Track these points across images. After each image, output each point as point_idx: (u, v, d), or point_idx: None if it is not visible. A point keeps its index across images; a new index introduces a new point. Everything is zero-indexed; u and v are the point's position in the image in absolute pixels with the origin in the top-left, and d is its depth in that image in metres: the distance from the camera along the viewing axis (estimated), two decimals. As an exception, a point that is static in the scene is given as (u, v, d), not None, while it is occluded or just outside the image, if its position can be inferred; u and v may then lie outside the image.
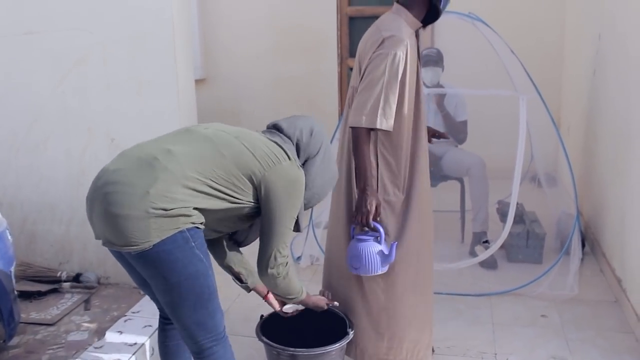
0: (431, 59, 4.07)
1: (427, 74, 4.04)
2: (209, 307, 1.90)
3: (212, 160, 1.88)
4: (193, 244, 1.82)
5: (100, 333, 2.75)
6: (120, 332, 2.72)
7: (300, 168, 2.03)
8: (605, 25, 3.94)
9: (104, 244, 1.86)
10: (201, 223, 1.86)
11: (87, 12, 3.02)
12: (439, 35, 5.39)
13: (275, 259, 2.02)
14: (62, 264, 3.36)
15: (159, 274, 1.82)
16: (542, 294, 3.35)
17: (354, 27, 5.84)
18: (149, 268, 1.83)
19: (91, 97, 3.06)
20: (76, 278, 3.26)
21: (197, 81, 6.39)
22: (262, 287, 2.36)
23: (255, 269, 2.11)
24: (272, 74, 6.26)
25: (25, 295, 3.08)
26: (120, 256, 1.94)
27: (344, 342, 2.36)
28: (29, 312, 2.95)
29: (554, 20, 5.51)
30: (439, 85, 4.14)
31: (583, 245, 3.74)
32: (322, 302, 2.41)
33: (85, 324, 2.86)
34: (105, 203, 1.80)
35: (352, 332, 2.40)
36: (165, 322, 2.20)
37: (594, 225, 4.02)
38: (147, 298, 2.93)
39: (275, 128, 2.15)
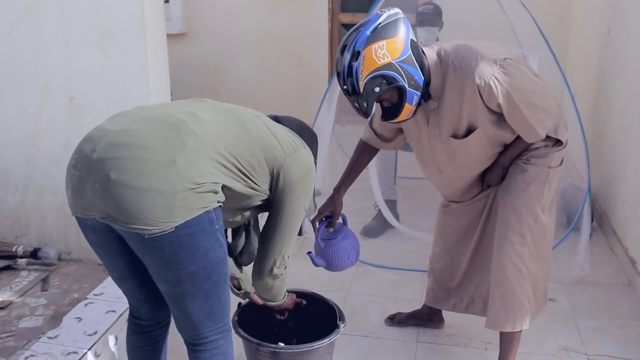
0: (427, 18, 3.69)
1: (421, 34, 3.68)
2: (221, 297, 1.67)
3: (238, 135, 1.63)
4: (217, 226, 1.57)
5: (56, 319, 2.43)
6: (79, 319, 2.40)
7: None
8: (625, -22, 3.57)
9: (101, 218, 1.52)
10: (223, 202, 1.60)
11: (41, -49, 2.61)
12: (437, -12, 4.99)
13: (279, 264, 1.79)
14: (19, 238, 3.01)
15: (174, 262, 1.52)
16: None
17: (346, -22, 5.46)
18: (161, 255, 1.51)
19: (46, 51, 2.66)
20: (34, 254, 2.92)
21: (177, 36, 6.02)
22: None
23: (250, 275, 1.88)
24: (257, 29, 5.88)
25: (-24, 273, 2.75)
26: (104, 236, 1.61)
27: (333, 338, 2.07)
28: (-22, 292, 2.63)
29: (561, -26, 5.11)
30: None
31: (591, 221, 3.45)
32: (291, 300, 2.17)
33: (41, 308, 2.54)
34: (112, 170, 1.46)
35: (342, 325, 2.10)
36: (138, 323, 1.88)
37: (603, 198, 3.73)
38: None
39: (274, 119, 1.87)
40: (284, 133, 1.76)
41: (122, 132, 1.54)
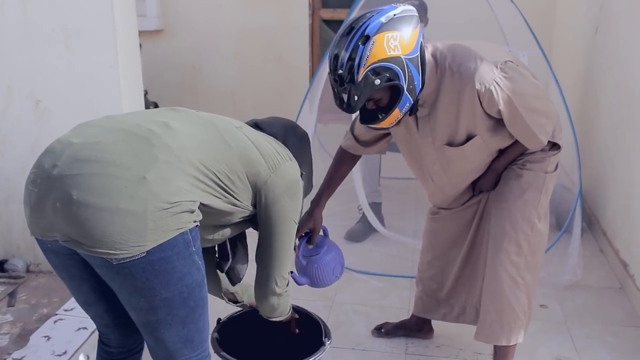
0: None
1: None
2: (199, 322, 1.53)
3: (216, 148, 1.50)
4: (193, 248, 1.44)
5: (23, 338, 2.30)
6: (48, 338, 2.27)
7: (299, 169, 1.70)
8: (613, -26, 3.49)
9: (64, 241, 1.37)
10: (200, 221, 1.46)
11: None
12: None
13: (279, 283, 1.70)
14: (-16, 249, 2.86)
15: (146, 288, 1.38)
16: (540, 280, 2.96)
17: (326, -27, 5.34)
18: (131, 281, 1.37)
19: (9, 50, 2.51)
20: (0, 266, 2.76)
21: (153, 32, 5.85)
22: None
23: (247, 281, 1.80)
24: (236, 25, 5.74)
25: (-62, 288, 2.59)
26: (67, 260, 1.47)
27: (318, 356, 1.94)
28: (-60, 308, 2.47)
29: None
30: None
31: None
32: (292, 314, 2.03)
33: (7, 326, 2.39)
34: (74, 188, 1.32)
35: (328, 342, 1.98)
36: (108, 350, 1.73)
37: (592, 199, 3.65)
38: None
39: (255, 127, 1.74)
40: (268, 145, 1.63)
41: (86, 145, 1.40)
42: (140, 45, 5.23)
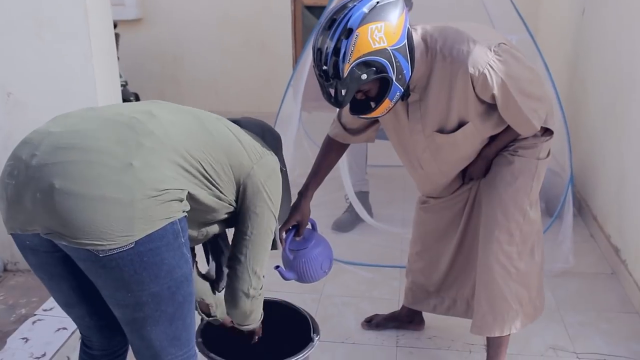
0: None
1: None
2: (186, 319, 1.47)
3: (200, 138, 1.43)
4: (182, 239, 1.38)
5: (1, 340, 2.20)
6: (26, 340, 2.18)
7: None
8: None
9: (45, 234, 1.29)
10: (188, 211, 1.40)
11: None
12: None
13: (255, 285, 1.61)
14: (-41, 247, 2.75)
15: (134, 282, 1.31)
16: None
17: (308, -41, 5.24)
18: (118, 275, 1.30)
19: (-24, 40, 2.39)
20: (-25, 265, 2.67)
21: (132, 22, 5.71)
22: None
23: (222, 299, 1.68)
24: (218, 13, 5.65)
25: None
26: (47, 257, 1.40)
27: (306, 353, 1.88)
28: None
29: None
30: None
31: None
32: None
33: (-17, 328, 2.30)
34: (56, 177, 1.24)
35: (317, 338, 1.91)
36: (90, 353, 1.65)
37: (582, 183, 3.60)
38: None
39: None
40: (248, 138, 1.56)
41: (66, 133, 1.33)
42: (119, 35, 5.13)
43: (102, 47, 2.37)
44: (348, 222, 3.49)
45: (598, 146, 3.34)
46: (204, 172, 1.41)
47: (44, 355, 2.09)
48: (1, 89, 2.42)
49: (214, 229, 1.58)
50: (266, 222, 1.56)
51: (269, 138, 1.64)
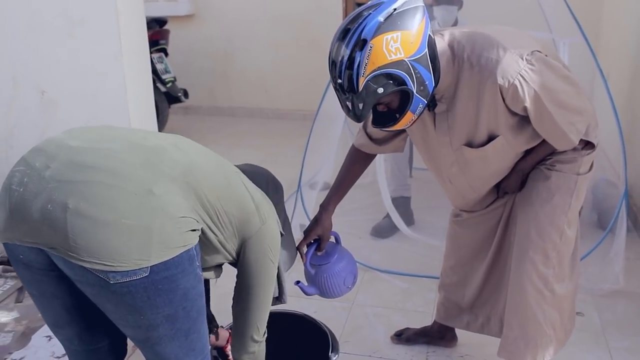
0: None
1: (439, 14, 3.35)
2: (200, 330, 1.45)
3: (219, 185, 1.40)
4: (197, 262, 1.36)
5: (26, 337, 2.23)
6: (49, 338, 2.19)
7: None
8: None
9: (49, 248, 1.24)
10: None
11: None
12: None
13: (256, 336, 1.60)
14: (-4, 242, 2.81)
15: (147, 307, 1.28)
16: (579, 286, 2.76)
17: (361, -45, 5.12)
18: (130, 301, 1.26)
19: (12, 40, 2.42)
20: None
21: (184, 17, 5.76)
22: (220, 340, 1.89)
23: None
24: (269, 9, 5.62)
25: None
26: (41, 275, 1.34)
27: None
28: (-52, 303, 2.43)
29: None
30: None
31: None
32: None
33: (12, 323, 2.32)
34: (71, 196, 1.21)
35: (335, 358, 1.83)
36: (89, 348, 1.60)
37: (638, 195, 3.37)
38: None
39: None
40: (258, 196, 1.52)
41: (86, 150, 1.29)
42: (169, 31, 5.18)
43: (133, 48, 2.36)
44: (387, 228, 3.39)
45: (658, 157, 3.12)
46: (215, 217, 1.38)
47: (64, 355, 2.09)
48: (36, 87, 2.44)
49: (210, 274, 1.56)
50: (269, 280, 1.56)
51: (272, 191, 1.61)
